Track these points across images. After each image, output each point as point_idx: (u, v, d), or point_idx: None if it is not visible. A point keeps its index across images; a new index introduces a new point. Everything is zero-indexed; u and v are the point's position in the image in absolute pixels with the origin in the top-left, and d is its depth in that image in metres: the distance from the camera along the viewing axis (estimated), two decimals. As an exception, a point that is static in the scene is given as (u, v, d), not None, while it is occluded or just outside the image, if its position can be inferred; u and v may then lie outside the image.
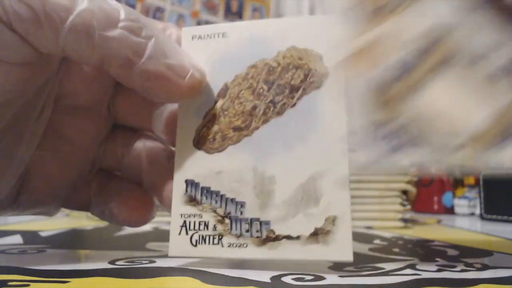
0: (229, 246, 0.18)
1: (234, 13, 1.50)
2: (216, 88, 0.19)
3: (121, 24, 0.16)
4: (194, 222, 0.19)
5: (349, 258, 0.17)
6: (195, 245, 0.18)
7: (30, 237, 0.29)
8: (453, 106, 0.16)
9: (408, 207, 0.41)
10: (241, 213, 0.18)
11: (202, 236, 0.18)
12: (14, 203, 0.20)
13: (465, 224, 0.46)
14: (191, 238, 0.19)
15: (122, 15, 0.16)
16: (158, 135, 0.21)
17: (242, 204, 0.18)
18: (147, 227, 0.37)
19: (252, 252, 0.18)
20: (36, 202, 0.20)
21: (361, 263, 0.20)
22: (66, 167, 0.20)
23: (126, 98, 0.21)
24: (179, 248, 0.19)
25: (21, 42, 0.15)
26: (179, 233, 0.19)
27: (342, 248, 0.17)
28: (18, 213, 0.21)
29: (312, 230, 0.17)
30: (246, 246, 0.18)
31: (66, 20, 0.15)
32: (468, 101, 0.16)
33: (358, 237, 0.32)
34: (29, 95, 0.17)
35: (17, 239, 0.28)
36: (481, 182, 0.49)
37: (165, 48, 0.16)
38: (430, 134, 0.16)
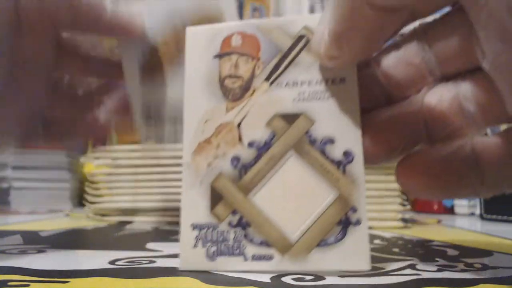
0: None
1: (234, 13, 1.50)
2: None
3: None
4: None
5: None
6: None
7: (30, 237, 0.29)
8: (277, 214, 0.17)
9: (408, 207, 0.41)
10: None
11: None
12: None
13: (465, 224, 0.46)
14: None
15: None
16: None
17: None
18: (147, 227, 0.37)
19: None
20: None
21: (361, 263, 0.20)
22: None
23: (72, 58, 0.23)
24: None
25: None
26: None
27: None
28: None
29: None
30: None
31: None
32: (288, 210, 0.17)
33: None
34: None
35: (17, 239, 0.28)
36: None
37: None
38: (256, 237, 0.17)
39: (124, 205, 0.43)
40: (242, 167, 0.17)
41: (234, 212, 0.17)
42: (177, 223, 0.40)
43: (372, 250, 0.25)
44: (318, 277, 0.17)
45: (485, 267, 0.19)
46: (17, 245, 0.25)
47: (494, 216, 0.47)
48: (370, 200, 0.40)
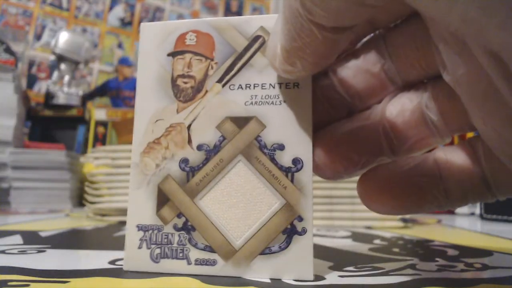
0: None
1: (233, 13, 1.50)
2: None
3: None
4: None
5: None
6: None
7: (30, 237, 0.29)
8: (222, 219, 0.17)
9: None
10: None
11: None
12: None
13: (465, 224, 0.46)
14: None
15: None
16: None
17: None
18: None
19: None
20: None
21: (361, 263, 0.20)
22: None
23: None
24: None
25: None
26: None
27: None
28: None
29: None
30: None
31: None
32: (234, 216, 0.17)
33: (358, 237, 0.32)
34: None
35: (17, 239, 0.28)
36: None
37: None
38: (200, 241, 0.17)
39: (124, 205, 0.43)
40: (190, 170, 0.17)
41: (179, 215, 0.17)
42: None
43: (372, 250, 0.25)
44: (318, 277, 0.17)
45: (485, 267, 0.19)
46: (17, 245, 0.25)
47: (494, 216, 0.47)
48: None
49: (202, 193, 0.17)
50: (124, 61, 1.91)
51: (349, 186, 0.40)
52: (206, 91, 0.18)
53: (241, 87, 0.17)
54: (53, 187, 0.68)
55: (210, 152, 0.17)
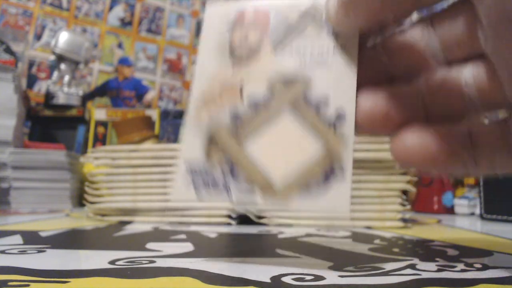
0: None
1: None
2: None
3: None
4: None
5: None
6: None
7: (30, 237, 0.29)
8: (265, 162, 0.18)
9: (408, 207, 0.41)
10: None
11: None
12: None
13: (465, 224, 0.46)
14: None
15: None
16: None
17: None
18: (147, 227, 0.37)
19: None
20: None
21: (361, 263, 0.20)
22: None
23: None
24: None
25: None
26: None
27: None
28: None
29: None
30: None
31: None
32: (276, 159, 0.18)
33: (358, 237, 0.32)
34: None
35: (17, 239, 0.28)
36: (481, 182, 0.49)
37: None
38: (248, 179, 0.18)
39: (124, 205, 0.43)
40: (239, 121, 0.19)
41: (225, 156, 0.19)
42: (177, 223, 0.40)
43: (372, 250, 0.25)
44: (318, 277, 0.17)
45: (485, 267, 0.19)
46: (17, 245, 0.25)
47: (494, 216, 0.47)
48: (370, 200, 0.40)
49: (248, 139, 0.19)
50: (124, 61, 1.91)
51: (349, 186, 0.40)
52: (260, 58, 0.20)
53: (292, 53, 0.19)
54: (53, 187, 0.68)
55: (259, 106, 0.19)
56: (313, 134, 0.18)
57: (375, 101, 0.18)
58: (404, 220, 0.41)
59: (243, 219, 0.41)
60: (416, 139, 0.17)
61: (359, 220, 0.40)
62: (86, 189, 0.46)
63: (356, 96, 0.18)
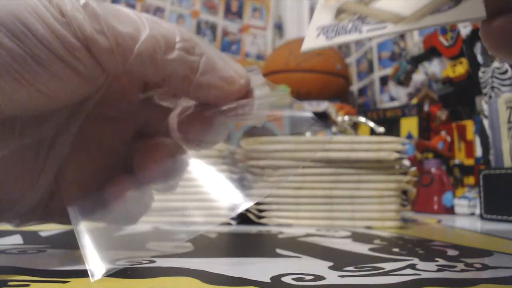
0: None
1: (234, 13, 1.50)
2: None
3: (177, 46, 0.17)
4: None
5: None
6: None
7: (30, 237, 0.29)
8: (398, 4, 0.18)
9: (408, 207, 0.41)
10: None
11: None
12: (45, 208, 0.21)
13: (465, 224, 0.46)
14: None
15: (178, 37, 0.18)
16: (173, 134, 0.22)
17: None
18: (147, 227, 0.37)
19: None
20: (65, 210, 0.21)
21: (361, 263, 0.20)
22: (95, 167, 0.22)
23: (153, 111, 0.23)
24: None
25: (95, 64, 0.17)
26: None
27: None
28: (46, 220, 0.22)
29: None
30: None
31: (134, 48, 0.17)
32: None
33: (358, 237, 0.32)
34: (77, 103, 0.20)
35: (17, 239, 0.28)
36: (481, 182, 0.49)
37: (215, 62, 0.18)
38: None
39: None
40: None
41: (354, 14, 0.19)
42: (177, 223, 0.40)
43: (372, 250, 0.25)
44: (318, 277, 0.17)
45: (485, 267, 0.19)
46: (17, 245, 0.25)
47: (494, 216, 0.47)
48: (370, 200, 0.40)
49: (374, 0, 0.19)
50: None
51: (349, 186, 0.40)
52: None
53: None
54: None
55: None
56: None
57: None
58: (404, 220, 0.41)
59: (243, 219, 0.41)
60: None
61: (359, 220, 0.40)
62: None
63: None
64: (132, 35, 0.17)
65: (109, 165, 0.22)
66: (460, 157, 0.68)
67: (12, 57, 0.16)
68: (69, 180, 0.21)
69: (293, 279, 0.16)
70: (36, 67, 0.16)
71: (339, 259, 0.22)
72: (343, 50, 1.33)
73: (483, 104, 0.57)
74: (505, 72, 0.54)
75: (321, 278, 0.17)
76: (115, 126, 0.22)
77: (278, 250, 0.25)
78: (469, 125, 0.66)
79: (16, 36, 0.15)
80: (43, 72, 0.16)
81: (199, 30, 1.43)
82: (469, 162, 0.66)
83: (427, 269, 0.19)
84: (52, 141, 0.20)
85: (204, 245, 0.27)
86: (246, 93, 0.20)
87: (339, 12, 0.20)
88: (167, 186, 0.23)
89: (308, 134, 0.46)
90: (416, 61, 0.82)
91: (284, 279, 0.16)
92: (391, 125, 0.80)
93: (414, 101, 0.86)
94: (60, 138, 0.20)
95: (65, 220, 0.21)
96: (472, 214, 0.55)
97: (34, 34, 0.16)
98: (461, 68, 0.66)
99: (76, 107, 0.20)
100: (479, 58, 0.63)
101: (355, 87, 1.28)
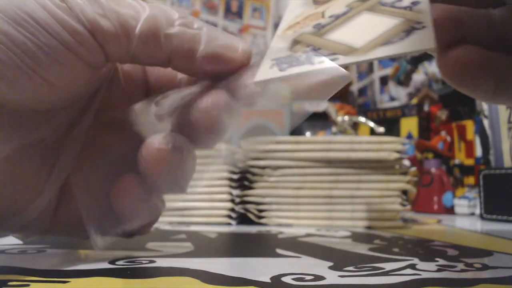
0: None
1: (234, 13, 1.50)
2: None
3: (177, 22, 0.18)
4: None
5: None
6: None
7: (30, 237, 0.29)
8: (351, 36, 0.19)
9: (408, 207, 0.41)
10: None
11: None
12: (52, 218, 0.20)
13: (465, 224, 0.46)
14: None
15: (177, 14, 0.18)
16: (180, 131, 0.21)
17: None
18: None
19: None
20: (74, 220, 0.20)
21: (361, 263, 0.20)
22: (103, 174, 0.21)
23: None
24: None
25: (98, 48, 0.17)
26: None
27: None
28: (52, 231, 0.21)
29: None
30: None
31: (136, 27, 0.17)
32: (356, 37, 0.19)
33: (358, 237, 0.32)
34: (81, 102, 0.20)
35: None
36: (481, 182, 0.49)
37: (215, 33, 0.19)
38: None
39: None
40: (320, 26, 0.20)
41: (308, 46, 0.19)
42: (177, 223, 0.40)
43: (372, 250, 0.25)
44: (318, 277, 0.17)
45: (485, 267, 0.19)
46: (17, 245, 0.25)
47: (494, 216, 0.47)
48: (370, 200, 0.40)
49: (329, 33, 0.20)
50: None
51: (349, 186, 0.40)
52: None
53: None
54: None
55: (339, 16, 0.20)
56: (390, 17, 0.18)
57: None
58: (404, 220, 0.41)
59: (243, 219, 0.41)
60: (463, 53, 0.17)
61: (359, 220, 0.40)
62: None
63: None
64: (133, 15, 0.17)
65: (117, 171, 0.21)
66: (460, 157, 0.68)
67: (15, 44, 0.15)
68: (77, 187, 0.21)
69: (293, 279, 0.16)
70: (39, 53, 0.16)
71: (339, 259, 0.22)
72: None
73: (483, 104, 0.57)
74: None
75: (321, 278, 0.17)
76: (121, 131, 0.22)
77: (278, 250, 0.25)
78: (469, 125, 0.66)
79: (17, 23, 0.15)
80: (46, 59, 0.16)
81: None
82: (469, 162, 0.66)
83: (427, 269, 0.19)
84: (59, 145, 0.20)
85: (204, 245, 0.27)
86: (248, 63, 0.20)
87: (295, 43, 0.20)
88: (177, 188, 0.22)
89: (308, 134, 0.46)
90: (416, 61, 0.82)
91: (284, 279, 0.16)
92: (391, 125, 0.80)
93: (414, 101, 0.86)
94: (67, 143, 0.20)
95: (73, 231, 0.21)
96: (472, 214, 0.55)
97: (35, 21, 0.16)
98: (461, 68, 0.66)
99: (82, 107, 0.20)
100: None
101: (355, 87, 1.28)
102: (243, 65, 0.19)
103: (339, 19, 0.20)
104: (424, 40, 0.17)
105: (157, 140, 0.19)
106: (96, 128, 0.21)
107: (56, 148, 0.20)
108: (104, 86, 0.20)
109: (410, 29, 0.17)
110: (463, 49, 0.17)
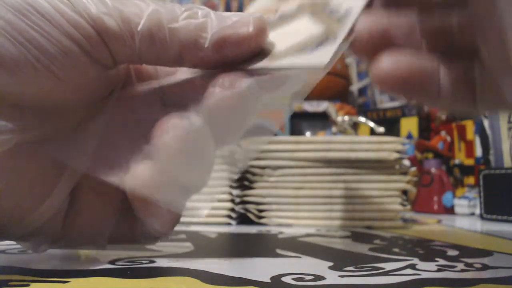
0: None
1: (234, 13, 1.50)
2: None
3: (182, 16, 0.18)
4: None
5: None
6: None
7: (30, 237, 0.29)
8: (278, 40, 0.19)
9: (408, 207, 0.41)
10: None
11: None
12: (61, 228, 0.20)
13: (465, 224, 0.46)
14: None
15: (182, 9, 0.18)
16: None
17: None
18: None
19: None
20: (85, 230, 0.20)
21: (361, 263, 0.20)
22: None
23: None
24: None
25: (103, 46, 0.17)
26: None
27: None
28: (61, 242, 0.20)
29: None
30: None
31: (139, 24, 0.17)
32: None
33: (358, 237, 0.32)
34: (93, 105, 0.19)
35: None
36: (481, 182, 0.49)
37: (221, 16, 0.18)
38: None
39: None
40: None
41: None
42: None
43: (372, 250, 0.25)
44: (318, 277, 0.17)
45: (485, 267, 0.19)
46: (17, 245, 0.25)
47: (494, 216, 0.47)
48: (370, 200, 0.40)
49: (270, 30, 0.20)
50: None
51: (349, 186, 0.40)
52: None
53: None
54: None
55: (286, 16, 0.20)
56: (319, 25, 0.18)
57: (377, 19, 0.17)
58: (404, 220, 0.41)
59: (243, 219, 0.41)
60: (392, 62, 0.16)
61: (359, 220, 0.40)
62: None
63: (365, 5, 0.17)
64: (136, 13, 0.17)
65: None
66: (460, 157, 0.68)
67: (17, 31, 0.15)
68: (91, 190, 0.20)
69: (293, 279, 0.16)
70: (42, 41, 0.16)
71: (339, 259, 0.22)
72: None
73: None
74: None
75: (321, 278, 0.17)
76: (139, 130, 0.21)
77: (278, 250, 0.25)
78: (469, 125, 0.66)
79: (20, 12, 0.16)
80: (50, 48, 0.16)
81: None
82: (469, 162, 0.66)
83: (427, 269, 0.19)
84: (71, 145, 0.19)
85: (204, 245, 0.27)
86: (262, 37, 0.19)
87: None
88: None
89: (308, 134, 0.46)
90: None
91: (284, 279, 0.16)
92: (391, 125, 0.80)
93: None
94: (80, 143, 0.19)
95: (87, 239, 0.20)
96: (472, 214, 0.55)
97: (38, 11, 0.16)
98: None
99: (95, 109, 0.20)
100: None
101: (355, 87, 1.28)
102: (260, 39, 0.18)
103: (283, 18, 0.20)
104: (322, 56, 0.17)
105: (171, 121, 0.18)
106: (111, 129, 0.20)
107: (71, 146, 0.19)
108: (117, 90, 0.20)
109: (323, 41, 0.17)
110: (388, 57, 0.16)
